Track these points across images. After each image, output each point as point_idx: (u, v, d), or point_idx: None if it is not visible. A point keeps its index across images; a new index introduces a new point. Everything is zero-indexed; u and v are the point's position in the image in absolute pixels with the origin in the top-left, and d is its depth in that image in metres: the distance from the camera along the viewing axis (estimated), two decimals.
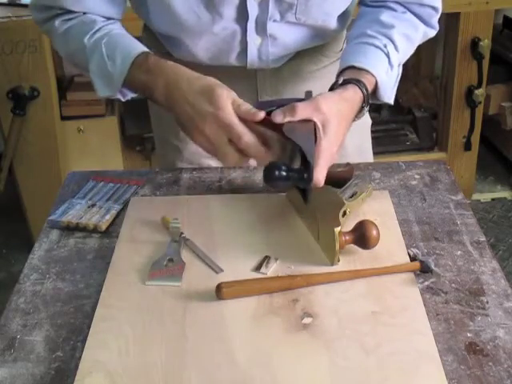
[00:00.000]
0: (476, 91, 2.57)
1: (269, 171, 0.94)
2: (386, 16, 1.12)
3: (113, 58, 1.05)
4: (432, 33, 1.19)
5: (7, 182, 2.48)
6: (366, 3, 1.17)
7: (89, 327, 0.88)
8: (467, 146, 2.70)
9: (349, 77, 1.04)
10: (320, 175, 0.94)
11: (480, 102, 2.61)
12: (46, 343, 0.87)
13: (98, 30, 1.09)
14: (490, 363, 0.82)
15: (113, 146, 2.53)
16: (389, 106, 3.17)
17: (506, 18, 2.84)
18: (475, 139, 2.69)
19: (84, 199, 1.16)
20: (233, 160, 0.96)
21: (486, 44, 2.48)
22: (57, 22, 1.12)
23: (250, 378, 0.80)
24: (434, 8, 1.15)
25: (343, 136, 1.00)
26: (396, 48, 1.11)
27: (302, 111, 0.94)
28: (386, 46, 1.09)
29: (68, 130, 2.45)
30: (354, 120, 1.04)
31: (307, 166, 0.94)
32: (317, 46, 1.22)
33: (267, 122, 0.97)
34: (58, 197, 1.19)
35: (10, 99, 2.26)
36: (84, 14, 1.10)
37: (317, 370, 0.81)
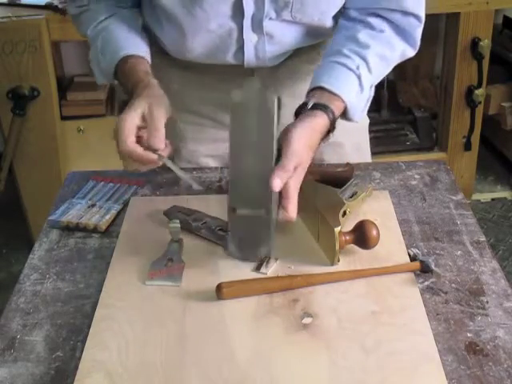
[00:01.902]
0: (476, 91, 2.56)
1: None
2: (362, 34, 1.11)
3: (104, 53, 1.15)
4: (411, 52, 1.17)
5: (7, 182, 2.47)
6: (347, 15, 1.15)
7: (89, 327, 0.88)
8: (467, 146, 2.70)
9: (318, 101, 1.05)
10: (275, 180, 0.94)
11: (480, 102, 2.60)
12: (46, 343, 0.87)
13: (100, 22, 1.17)
14: (490, 363, 0.82)
15: (113, 145, 2.51)
16: (389, 105, 3.15)
17: (506, 17, 2.84)
18: (475, 139, 2.69)
19: (84, 199, 1.16)
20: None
21: (486, 44, 2.48)
22: (71, 8, 1.21)
23: (250, 378, 0.80)
24: (418, 17, 1.13)
25: (307, 162, 1.00)
26: (369, 70, 1.11)
27: (292, 165, 0.96)
28: (358, 68, 1.09)
29: (68, 129, 2.45)
30: (319, 144, 1.05)
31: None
32: (313, 44, 1.22)
33: None
34: (58, 197, 1.19)
35: (9, 99, 2.26)
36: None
37: (317, 369, 0.81)
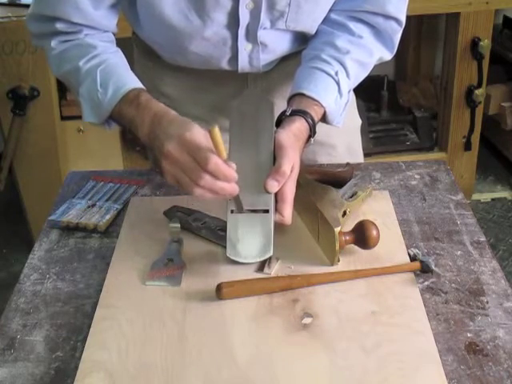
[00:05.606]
0: (476, 91, 2.56)
1: None
2: (341, 41, 1.12)
3: (105, 86, 1.05)
4: (388, 57, 1.18)
5: (7, 182, 2.47)
6: (328, 18, 1.15)
7: (89, 327, 0.88)
8: (467, 146, 2.70)
9: (297, 107, 1.06)
10: (272, 182, 0.96)
11: (480, 102, 2.60)
12: (46, 343, 0.87)
13: (95, 56, 1.07)
14: (490, 363, 0.82)
15: (113, 146, 2.52)
16: (389, 105, 3.15)
17: (506, 17, 2.84)
18: (475, 139, 2.69)
19: (84, 199, 1.16)
20: (201, 188, 0.91)
21: (486, 44, 2.48)
22: (53, 42, 1.10)
23: (250, 378, 0.80)
24: (399, 22, 1.14)
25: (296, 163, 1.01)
26: (348, 75, 1.12)
27: (288, 168, 0.96)
28: (337, 74, 1.10)
29: (68, 129, 2.45)
30: (303, 148, 1.06)
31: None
32: (305, 47, 1.22)
33: None
34: (58, 197, 1.19)
35: (10, 99, 2.26)
36: (81, 33, 1.09)
37: (317, 370, 0.81)
